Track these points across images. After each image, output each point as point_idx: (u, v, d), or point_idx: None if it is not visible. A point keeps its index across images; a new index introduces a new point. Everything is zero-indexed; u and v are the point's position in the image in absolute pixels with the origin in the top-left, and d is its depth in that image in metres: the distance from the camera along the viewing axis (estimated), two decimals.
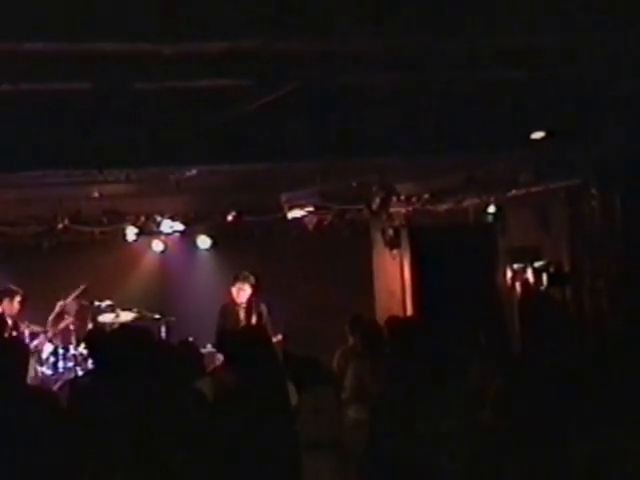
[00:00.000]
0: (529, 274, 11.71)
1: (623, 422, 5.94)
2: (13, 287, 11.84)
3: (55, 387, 10.73)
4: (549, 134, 9.57)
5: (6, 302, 11.74)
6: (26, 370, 6.37)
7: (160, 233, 13.42)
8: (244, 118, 8.60)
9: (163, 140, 8.81)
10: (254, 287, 11.94)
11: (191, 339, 9.83)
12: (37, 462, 5.62)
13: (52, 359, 11.64)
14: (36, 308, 11.95)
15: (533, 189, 11.53)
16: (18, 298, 11.75)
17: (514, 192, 11.84)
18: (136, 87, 7.51)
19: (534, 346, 5.97)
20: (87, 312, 12.00)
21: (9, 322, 11.62)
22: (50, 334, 11.80)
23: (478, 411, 6.16)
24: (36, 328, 11.85)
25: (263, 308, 11.88)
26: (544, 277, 11.52)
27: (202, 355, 8.28)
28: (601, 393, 5.97)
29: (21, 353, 6.18)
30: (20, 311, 11.80)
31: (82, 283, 12.08)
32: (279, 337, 10.95)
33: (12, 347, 6.29)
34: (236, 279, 11.94)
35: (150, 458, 5.67)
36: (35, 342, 11.70)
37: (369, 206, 13.05)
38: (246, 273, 11.96)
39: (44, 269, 12.48)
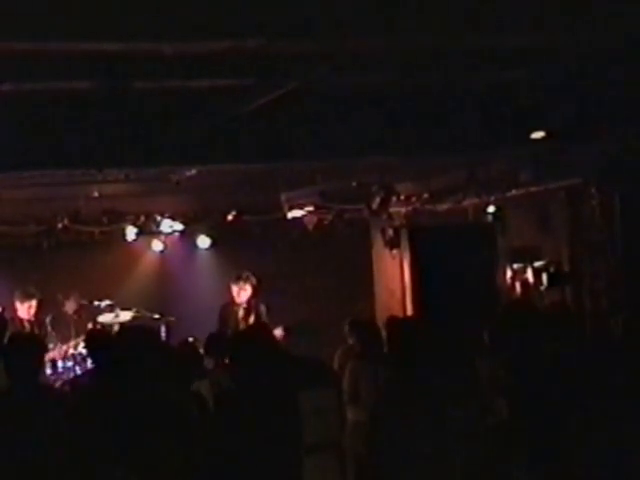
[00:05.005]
0: (529, 274, 11.71)
1: (624, 422, 5.95)
2: (30, 289, 11.37)
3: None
4: (549, 134, 9.57)
5: (19, 305, 11.27)
6: (41, 367, 6.38)
7: (160, 233, 13.41)
8: (244, 118, 8.59)
9: (163, 140, 8.80)
10: (255, 287, 11.95)
11: (191, 339, 9.87)
12: (36, 460, 5.65)
13: None
14: None
15: (533, 189, 11.52)
16: (33, 302, 11.29)
17: (514, 192, 11.83)
18: (136, 87, 7.50)
19: (533, 347, 5.98)
20: (86, 312, 11.98)
21: (27, 327, 11.06)
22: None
23: (480, 411, 6.16)
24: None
25: (262, 308, 11.88)
26: (544, 277, 11.50)
27: (201, 356, 8.27)
28: (601, 393, 5.97)
29: (36, 350, 6.18)
30: (36, 315, 11.33)
31: (81, 283, 12.06)
32: (280, 331, 10.74)
33: (28, 344, 6.29)
34: (237, 279, 11.96)
35: (149, 458, 5.67)
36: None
37: (369, 206, 13.05)
38: (247, 273, 11.97)
39: (43, 269, 12.44)
